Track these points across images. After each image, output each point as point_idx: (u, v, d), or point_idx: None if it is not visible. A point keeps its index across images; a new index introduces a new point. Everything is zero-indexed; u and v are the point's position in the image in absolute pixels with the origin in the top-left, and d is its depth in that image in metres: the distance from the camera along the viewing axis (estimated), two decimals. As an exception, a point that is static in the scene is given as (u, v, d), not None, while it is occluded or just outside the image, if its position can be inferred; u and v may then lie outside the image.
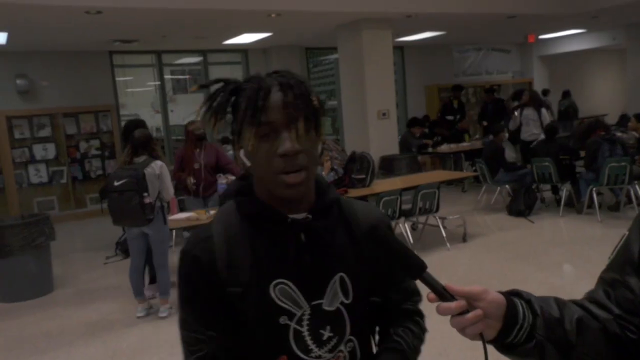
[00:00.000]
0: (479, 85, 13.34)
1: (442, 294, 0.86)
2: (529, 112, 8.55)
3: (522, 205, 7.09)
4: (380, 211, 1.27)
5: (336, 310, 1.10)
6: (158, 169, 4.35)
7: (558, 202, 7.33)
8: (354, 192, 5.62)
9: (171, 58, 10.80)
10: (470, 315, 0.84)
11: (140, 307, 4.58)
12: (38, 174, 9.07)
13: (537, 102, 8.65)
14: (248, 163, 1.07)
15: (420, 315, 1.24)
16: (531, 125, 8.51)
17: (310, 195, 1.11)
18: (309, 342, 1.08)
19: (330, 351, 1.10)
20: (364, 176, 5.96)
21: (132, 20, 7.04)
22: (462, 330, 0.86)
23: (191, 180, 5.41)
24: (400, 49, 12.04)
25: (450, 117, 10.56)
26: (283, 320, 1.06)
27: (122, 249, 6.37)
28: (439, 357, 3.45)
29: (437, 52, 12.61)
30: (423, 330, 1.23)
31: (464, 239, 6.16)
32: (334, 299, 1.10)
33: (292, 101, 1.01)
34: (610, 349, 0.88)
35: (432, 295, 0.87)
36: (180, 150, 5.67)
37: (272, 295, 1.06)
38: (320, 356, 1.09)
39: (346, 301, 1.10)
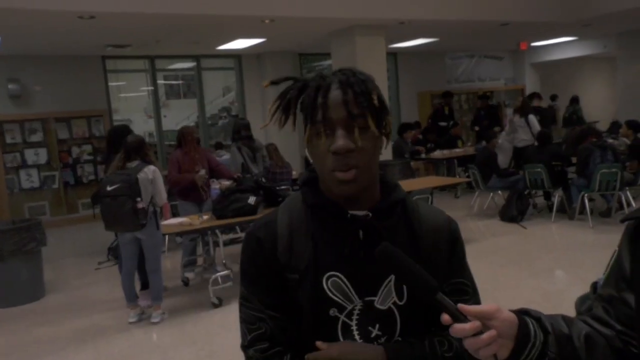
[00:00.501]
0: (472, 92, 13.43)
1: (456, 315, 0.85)
2: (518, 119, 8.64)
3: (514, 211, 7.12)
4: (446, 215, 1.22)
5: (388, 310, 1.10)
6: (151, 174, 4.33)
7: (550, 208, 7.37)
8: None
9: (164, 63, 10.80)
10: (484, 336, 0.83)
11: (132, 313, 4.56)
12: (29, 179, 9.02)
13: (524, 109, 8.72)
14: (311, 159, 1.09)
15: None
16: (520, 132, 8.59)
17: (374, 194, 1.12)
18: (356, 337, 1.09)
19: None
20: (357, 182, 5.95)
21: (126, 25, 7.03)
22: (475, 352, 0.84)
23: (203, 172, 5.34)
24: (393, 55, 12.09)
25: (443, 124, 10.62)
26: (333, 312, 1.08)
27: (114, 254, 6.32)
28: None
29: (430, 59, 12.67)
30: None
31: (457, 244, 6.17)
32: (386, 298, 1.10)
33: (350, 99, 1.02)
34: None
35: (447, 316, 0.85)
36: (176, 154, 5.50)
37: (325, 286, 1.08)
38: None
39: (399, 302, 1.10)
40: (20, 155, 8.95)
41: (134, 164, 4.34)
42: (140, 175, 4.27)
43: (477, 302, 1.16)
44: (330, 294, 1.08)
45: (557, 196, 7.27)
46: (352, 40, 8.16)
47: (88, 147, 9.43)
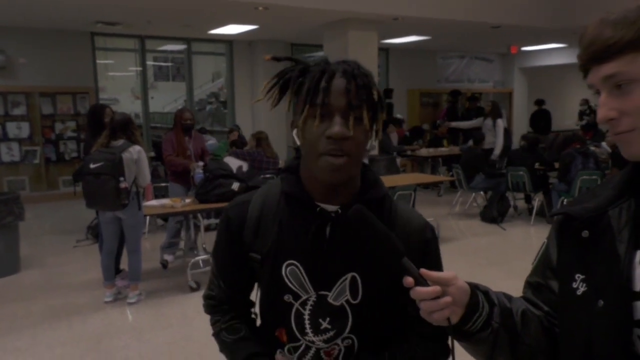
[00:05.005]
0: (461, 93, 13.49)
1: (418, 279, 0.90)
2: (488, 121, 8.76)
3: (495, 212, 7.20)
4: (424, 221, 1.19)
5: (340, 307, 1.12)
6: (136, 154, 4.29)
7: (530, 211, 7.47)
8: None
9: (155, 44, 10.68)
10: (441, 300, 0.89)
11: (109, 292, 4.52)
12: (10, 153, 8.87)
13: (496, 113, 8.84)
14: (298, 142, 1.10)
15: (438, 341, 1.15)
16: (488, 135, 8.69)
17: (352, 188, 1.13)
18: (307, 325, 1.13)
19: (325, 341, 1.14)
20: (342, 174, 5.97)
21: (116, 2, 6.93)
22: (429, 314, 0.90)
23: (201, 164, 5.40)
24: (385, 51, 12.10)
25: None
26: (288, 298, 1.13)
27: (93, 233, 6.27)
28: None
29: (421, 57, 12.71)
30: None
31: (437, 242, 6.22)
32: (340, 295, 1.12)
33: (352, 89, 1.03)
34: (548, 342, 0.97)
35: (410, 279, 0.90)
36: (170, 135, 5.60)
37: (283, 273, 1.12)
38: (313, 342, 1.14)
39: (353, 301, 1.12)
40: (1, 127, 8.79)
41: (119, 142, 4.29)
42: (125, 155, 4.22)
43: None
44: (286, 281, 1.12)
45: (537, 200, 7.36)
46: (344, 33, 8.15)
47: (72, 124, 9.30)
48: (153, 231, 6.73)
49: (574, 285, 0.87)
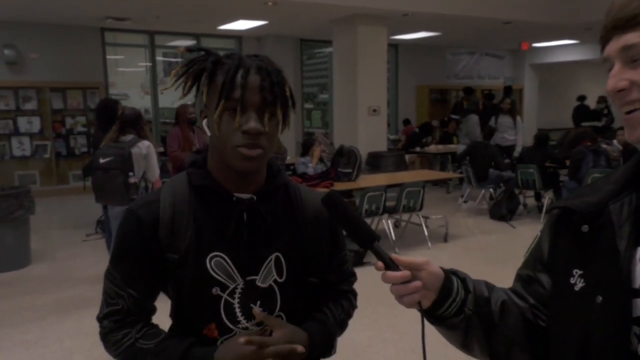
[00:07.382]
0: (474, 90, 13.40)
1: (389, 263, 0.90)
2: (506, 119, 8.74)
3: (504, 209, 7.16)
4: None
5: (268, 287, 1.16)
6: (145, 149, 4.30)
7: (540, 208, 7.42)
8: (339, 186, 5.62)
9: (164, 39, 10.70)
10: (410, 284, 0.89)
11: (118, 287, 4.54)
12: (21, 147, 8.95)
13: (515, 110, 8.86)
14: (208, 133, 1.12)
15: (354, 293, 1.35)
16: (508, 132, 8.67)
17: (261, 178, 1.18)
18: (238, 313, 1.15)
19: (257, 324, 1.16)
20: (350, 170, 5.97)
21: (127, -2, 6.96)
22: (400, 298, 0.91)
23: None
24: (394, 47, 12.05)
25: (455, 117, 10.63)
26: (215, 290, 1.13)
27: (102, 227, 6.31)
28: (412, 353, 3.48)
29: (430, 53, 12.65)
30: (353, 306, 1.33)
31: (445, 239, 6.21)
32: (267, 276, 1.15)
33: (267, 86, 1.07)
34: (526, 334, 0.96)
35: (380, 263, 0.91)
36: (176, 130, 5.59)
37: (208, 266, 1.12)
38: (247, 328, 1.16)
39: (279, 280, 1.16)
40: (12, 122, 8.87)
41: (128, 137, 4.30)
42: (134, 150, 4.24)
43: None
44: (213, 274, 1.12)
45: (547, 198, 7.31)
46: (354, 29, 8.13)
47: (82, 119, 9.36)
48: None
49: (572, 280, 0.86)
